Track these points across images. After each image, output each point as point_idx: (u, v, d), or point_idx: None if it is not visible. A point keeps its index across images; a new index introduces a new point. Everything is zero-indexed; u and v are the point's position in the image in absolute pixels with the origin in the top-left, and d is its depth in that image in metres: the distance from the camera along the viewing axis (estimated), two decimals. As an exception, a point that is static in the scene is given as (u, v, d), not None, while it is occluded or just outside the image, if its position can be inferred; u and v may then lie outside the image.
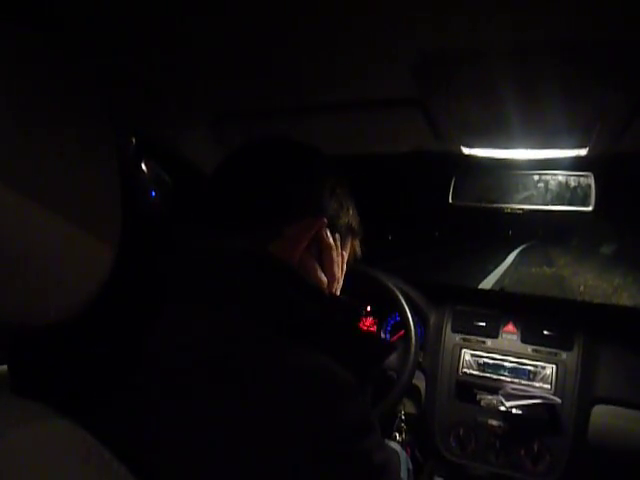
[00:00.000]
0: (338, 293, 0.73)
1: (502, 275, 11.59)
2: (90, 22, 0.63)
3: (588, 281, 11.05)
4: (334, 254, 0.69)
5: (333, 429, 0.48)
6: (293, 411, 0.47)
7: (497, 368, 1.44)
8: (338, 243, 0.71)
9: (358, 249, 0.81)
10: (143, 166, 1.15)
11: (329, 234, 0.68)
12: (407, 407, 1.50)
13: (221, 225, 0.65)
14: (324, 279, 0.68)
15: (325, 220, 0.67)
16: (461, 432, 1.42)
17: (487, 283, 9.93)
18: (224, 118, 1.06)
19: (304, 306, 0.58)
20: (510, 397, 1.34)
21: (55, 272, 0.42)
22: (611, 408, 1.33)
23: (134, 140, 1.09)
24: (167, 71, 0.81)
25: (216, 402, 0.48)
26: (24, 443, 0.37)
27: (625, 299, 8.70)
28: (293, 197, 0.67)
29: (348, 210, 0.74)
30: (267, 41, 0.68)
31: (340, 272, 0.72)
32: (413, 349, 1.33)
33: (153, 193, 1.20)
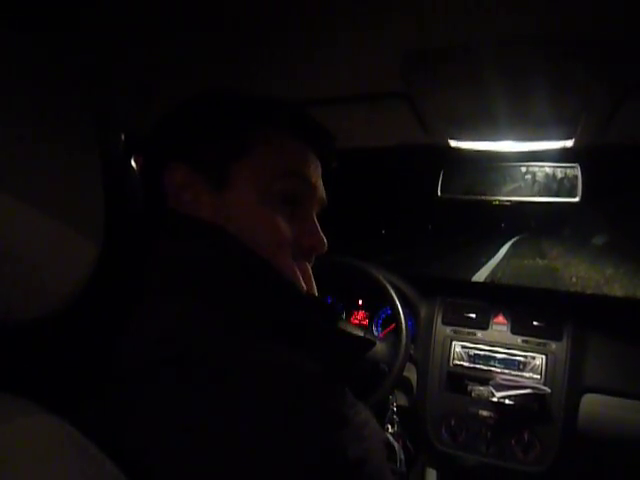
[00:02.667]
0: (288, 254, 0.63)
1: (495, 268, 11.65)
2: (78, 22, 0.62)
3: (580, 272, 11.12)
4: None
5: (302, 424, 0.47)
6: (261, 408, 0.46)
7: (487, 359, 1.45)
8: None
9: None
10: (133, 164, 1.15)
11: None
12: (399, 399, 1.51)
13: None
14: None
15: (182, 166, 0.60)
16: (452, 423, 1.43)
17: (480, 276, 9.99)
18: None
19: (275, 303, 0.57)
20: (500, 388, 1.35)
21: (37, 269, 0.42)
22: (600, 397, 1.35)
23: (123, 138, 1.08)
24: (155, 70, 0.81)
25: (184, 400, 0.47)
26: (6, 438, 0.37)
27: (617, 289, 8.76)
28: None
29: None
30: (254, 38, 0.68)
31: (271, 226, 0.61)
32: (404, 342, 1.34)
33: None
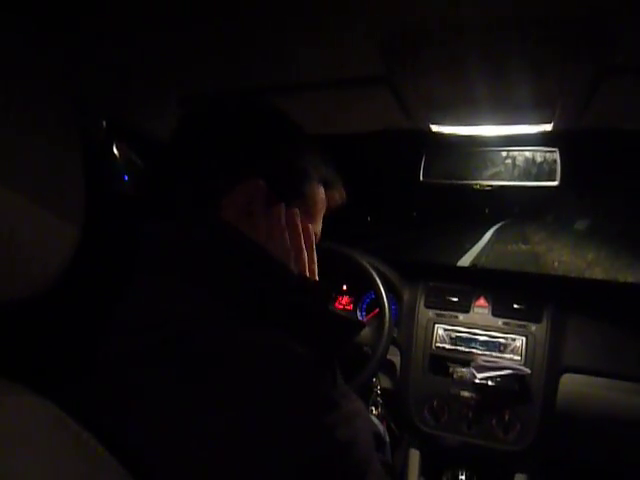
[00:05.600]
0: (307, 268, 0.65)
1: (479, 253, 11.71)
2: (58, 7, 0.61)
3: (562, 257, 11.23)
4: (272, 221, 0.61)
5: (291, 405, 0.48)
6: (250, 389, 0.47)
7: (469, 341, 1.48)
8: (297, 220, 0.64)
9: (340, 196, 0.75)
10: (115, 150, 1.14)
11: (269, 199, 0.61)
12: (383, 382, 1.53)
13: (172, 202, 0.63)
14: (277, 254, 0.61)
15: (260, 182, 0.60)
16: (435, 404, 1.46)
17: (464, 261, 10.03)
18: (193, 100, 1.05)
19: (266, 283, 0.57)
20: (482, 369, 1.38)
21: (16, 251, 0.42)
22: (578, 377, 1.39)
23: (105, 123, 1.07)
24: (137, 56, 0.80)
25: (172, 383, 0.47)
26: None
27: (598, 273, 8.88)
28: (228, 161, 0.61)
29: (307, 171, 0.67)
30: (234, 22, 0.68)
31: (300, 243, 0.64)
32: (387, 325, 1.36)
33: (126, 177, 1.18)
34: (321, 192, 0.70)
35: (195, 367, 0.48)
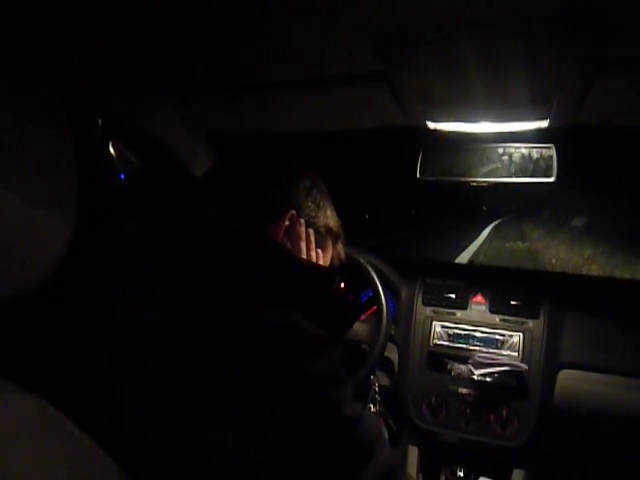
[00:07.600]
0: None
1: (477, 250, 11.71)
2: (51, 4, 0.61)
3: (560, 254, 11.25)
4: (303, 245, 0.72)
5: (301, 379, 0.49)
6: (261, 363, 0.49)
7: (467, 338, 1.48)
8: (312, 237, 0.75)
9: (342, 252, 0.87)
10: (111, 148, 1.14)
11: (302, 227, 0.72)
12: (381, 379, 1.53)
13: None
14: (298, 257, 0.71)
15: (293, 212, 0.71)
16: (433, 401, 1.46)
17: (462, 258, 10.04)
18: (190, 98, 1.05)
19: (276, 267, 0.60)
20: (479, 365, 1.38)
21: (7, 250, 0.42)
22: (575, 372, 1.39)
23: (100, 122, 1.07)
24: (132, 53, 0.80)
25: (185, 363, 0.49)
26: None
27: (595, 270, 8.90)
28: (271, 199, 0.71)
29: (325, 211, 0.78)
30: (231, 20, 0.67)
31: (312, 249, 0.75)
32: (384, 322, 1.36)
33: (122, 176, 1.18)
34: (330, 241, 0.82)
35: (209, 343, 0.50)
